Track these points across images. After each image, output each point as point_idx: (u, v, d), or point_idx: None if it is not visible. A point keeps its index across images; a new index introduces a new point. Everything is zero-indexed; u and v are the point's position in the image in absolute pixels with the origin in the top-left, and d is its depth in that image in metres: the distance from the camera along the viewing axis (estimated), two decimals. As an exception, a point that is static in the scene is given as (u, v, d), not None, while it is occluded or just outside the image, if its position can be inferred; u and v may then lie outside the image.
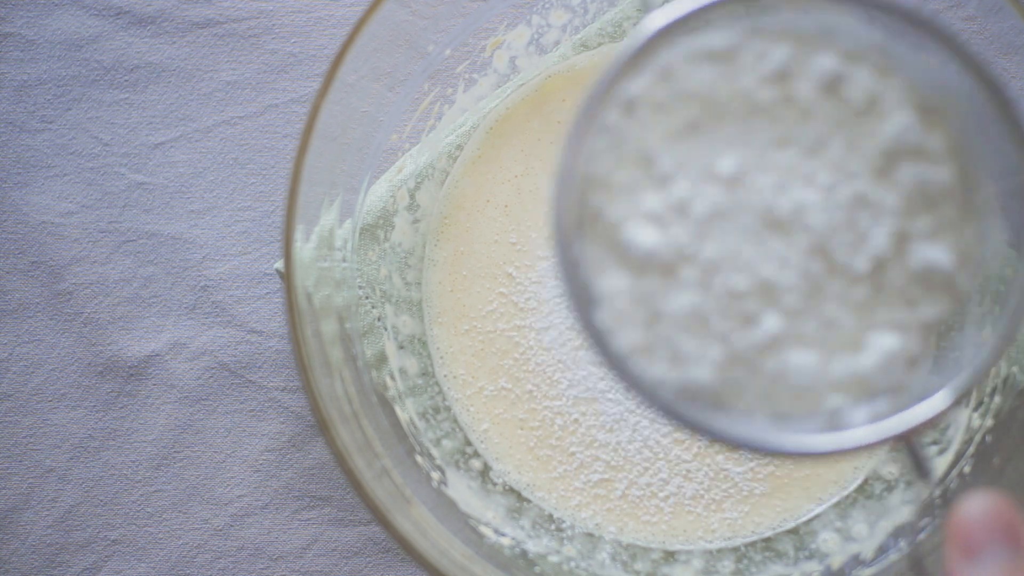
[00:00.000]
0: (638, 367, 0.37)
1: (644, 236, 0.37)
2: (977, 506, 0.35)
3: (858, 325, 0.37)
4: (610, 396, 0.54)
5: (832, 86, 0.37)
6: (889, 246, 0.37)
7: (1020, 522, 0.35)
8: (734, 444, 0.37)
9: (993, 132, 0.37)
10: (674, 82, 0.37)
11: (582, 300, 0.37)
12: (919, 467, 0.39)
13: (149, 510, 0.57)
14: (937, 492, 0.52)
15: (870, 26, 0.37)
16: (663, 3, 0.38)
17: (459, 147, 0.57)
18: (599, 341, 0.37)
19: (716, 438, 0.37)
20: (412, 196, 0.57)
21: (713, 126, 0.37)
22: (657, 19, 0.37)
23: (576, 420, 0.55)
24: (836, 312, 0.37)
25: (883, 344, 0.37)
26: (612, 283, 0.37)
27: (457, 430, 0.56)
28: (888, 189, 0.37)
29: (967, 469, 0.51)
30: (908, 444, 0.39)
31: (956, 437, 0.53)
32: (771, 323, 0.37)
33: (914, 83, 0.37)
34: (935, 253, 0.37)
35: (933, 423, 0.37)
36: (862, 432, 0.37)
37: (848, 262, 0.37)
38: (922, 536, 0.51)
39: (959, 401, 0.37)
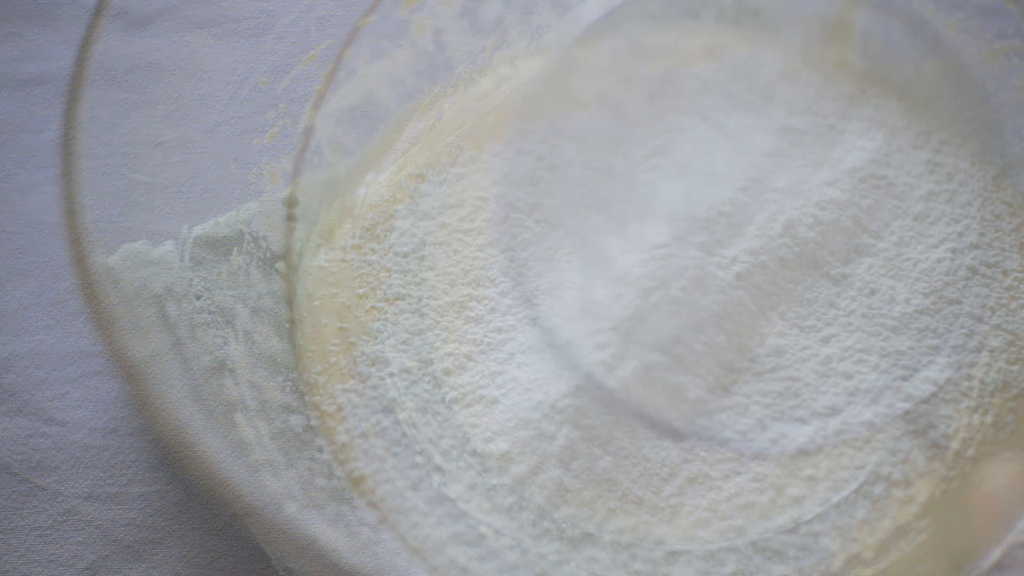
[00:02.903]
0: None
1: None
2: (1004, 473, 0.35)
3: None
4: (610, 396, 0.54)
5: None
6: None
7: None
8: (737, 449, 0.36)
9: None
10: None
11: None
12: None
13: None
14: (938, 492, 0.52)
15: None
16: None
17: (459, 147, 0.57)
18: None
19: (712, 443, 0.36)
20: (412, 196, 0.57)
21: None
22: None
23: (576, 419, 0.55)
24: None
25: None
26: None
27: (455, 429, 0.56)
28: None
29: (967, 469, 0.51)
30: None
31: (956, 437, 0.53)
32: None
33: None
34: None
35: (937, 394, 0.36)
36: (868, 412, 0.36)
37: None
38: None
39: (960, 368, 0.36)
